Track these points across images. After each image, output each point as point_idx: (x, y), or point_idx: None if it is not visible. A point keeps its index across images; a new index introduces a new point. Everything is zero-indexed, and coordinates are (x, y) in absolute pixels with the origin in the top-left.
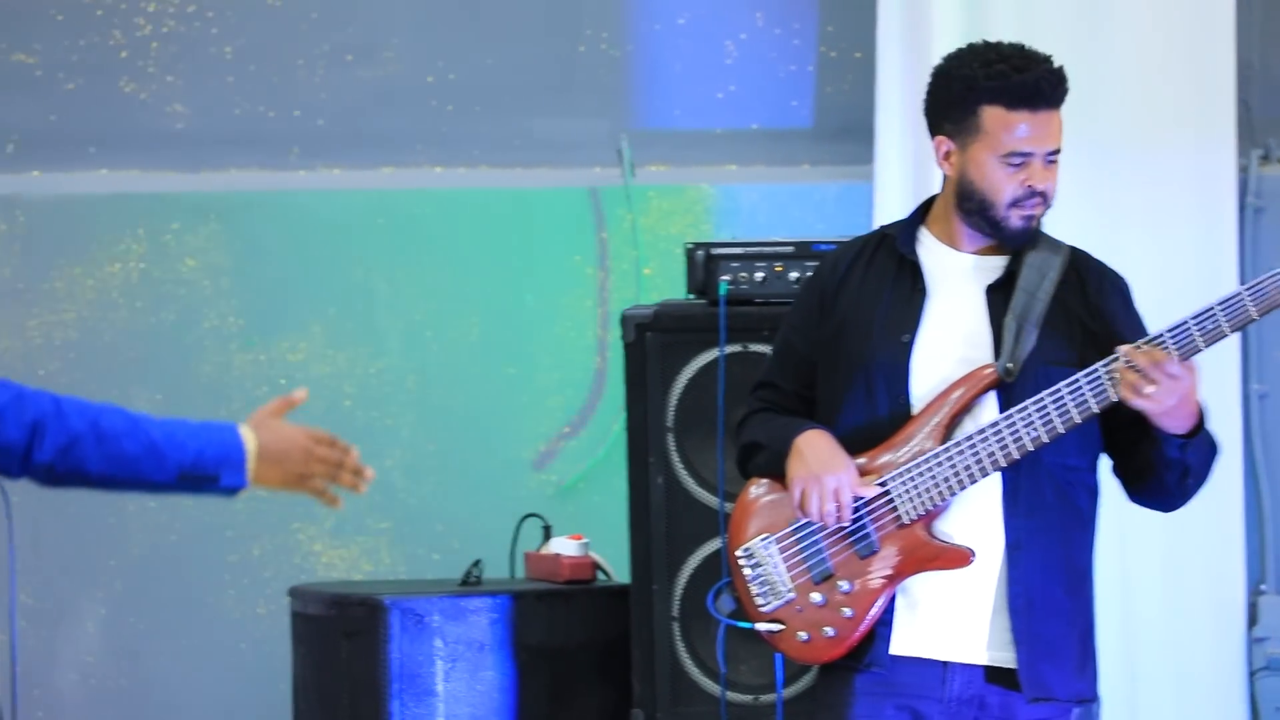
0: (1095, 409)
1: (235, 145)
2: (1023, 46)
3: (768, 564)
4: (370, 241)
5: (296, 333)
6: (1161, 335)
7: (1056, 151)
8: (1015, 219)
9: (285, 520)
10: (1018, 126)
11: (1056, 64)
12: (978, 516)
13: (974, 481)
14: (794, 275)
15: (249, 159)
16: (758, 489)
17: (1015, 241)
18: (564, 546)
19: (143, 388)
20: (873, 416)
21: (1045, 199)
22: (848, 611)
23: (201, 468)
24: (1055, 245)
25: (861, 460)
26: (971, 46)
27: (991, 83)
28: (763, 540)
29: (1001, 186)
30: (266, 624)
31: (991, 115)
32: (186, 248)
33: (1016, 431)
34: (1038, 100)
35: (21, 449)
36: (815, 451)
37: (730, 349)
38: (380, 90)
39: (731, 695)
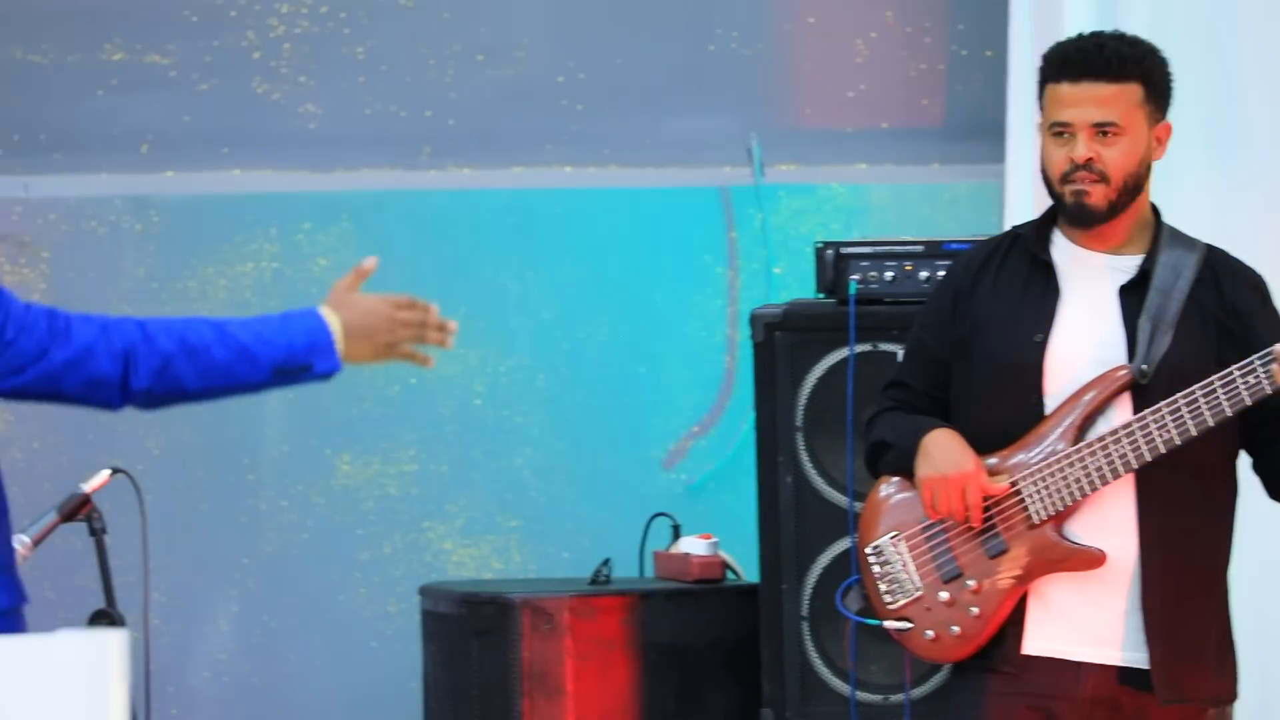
0: (1229, 412)
1: (367, 145)
2: (1096, 30)
3: (896, 562)
4: (501, 241)
5: None
6: None
7: (1107, 124)
8: (1068, 195)
9: (416, 519)
10: (1058, 97)
11: (1115, 39)
12: (1112, 516)
13: (1105, 483)
14: (924, 274)
15: (380, 159)
16: (888, 488)
17: (1074, 221)
18: (693, 545)
19: None
20: (1005, 417)
21: (1100, 176)
22: (974, 610)
23: (294, 360)
24: (1190, 243)
25: (993, 460)
26: None
27: (1044, 62)
28: (892, 538)
29: (1051, 161)
30: (397, 622)
31: (1046, 93)
32: (318, 247)
33: (1149, 433)
34: (1073, 69)
35: (117, 379)
36: (943, 451)
37: (860, 348)
38: (511, 90)
39: (861, 695)
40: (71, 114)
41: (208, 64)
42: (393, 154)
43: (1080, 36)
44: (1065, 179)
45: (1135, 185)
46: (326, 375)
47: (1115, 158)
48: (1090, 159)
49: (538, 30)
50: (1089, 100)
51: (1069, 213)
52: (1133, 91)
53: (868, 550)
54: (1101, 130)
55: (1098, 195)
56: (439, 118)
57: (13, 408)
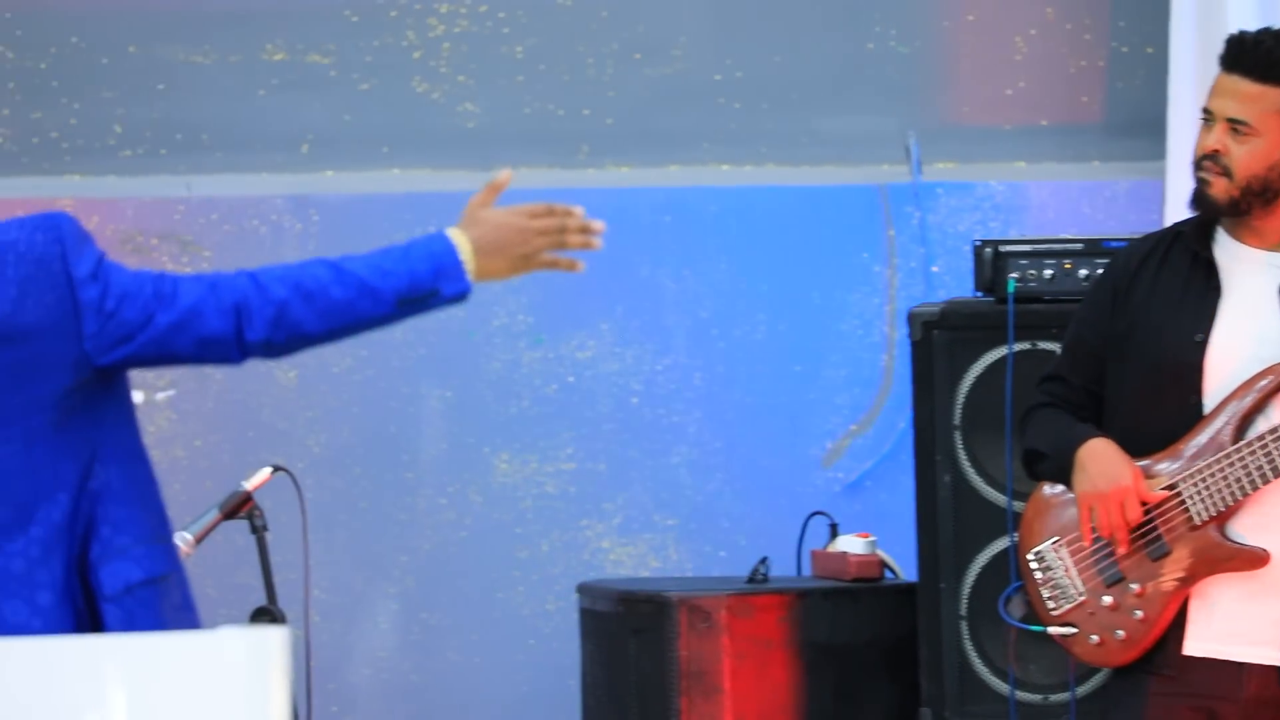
0: None
1: (525, 144)
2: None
3: (1058, 567)
4: (658, 239)
5: (584, 330)
6: None
7: (1239, 122)
8: (1195, 182)
9: (574, 517)
10: (1213, 83)
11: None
12: (1274, 515)
13: (1266, 482)
14: (1083, 272)
15: (538, 158)
16: (1051, 490)
17: (1193, 208)
18: (851, 544)
19: (433, 385)
20: (1162, 417)
21: (1224, 170)
22: (1139, 613)
23: (418, 288)
24: None
25: (1146, 462)
26: None
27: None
28: (1053, 543)
29: (1195, 146)
30: (555, 620)
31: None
32: None
33: None
34: (1227, 59)
35: (231, 335)
36: (1100, 466)
37: (1019, 347)
38: (668, 88)
39: (1021, 695)
40: (233, 114)
41: (368, 64)
42: (550, 153)
43: (1255, 31)
44: (1196, 166)
45: (1263, 188)
46: (457, 298)
47: (1242, 156)
48: (1217, 151)
49: (695, 28)
50: (1230, 93)
51: (1190, 200)
52: (1278, 96)
53: (1029, 556)
54: (1234, 126)
55: (1219, 189)
56: (596, 116)
57: (175, 406)
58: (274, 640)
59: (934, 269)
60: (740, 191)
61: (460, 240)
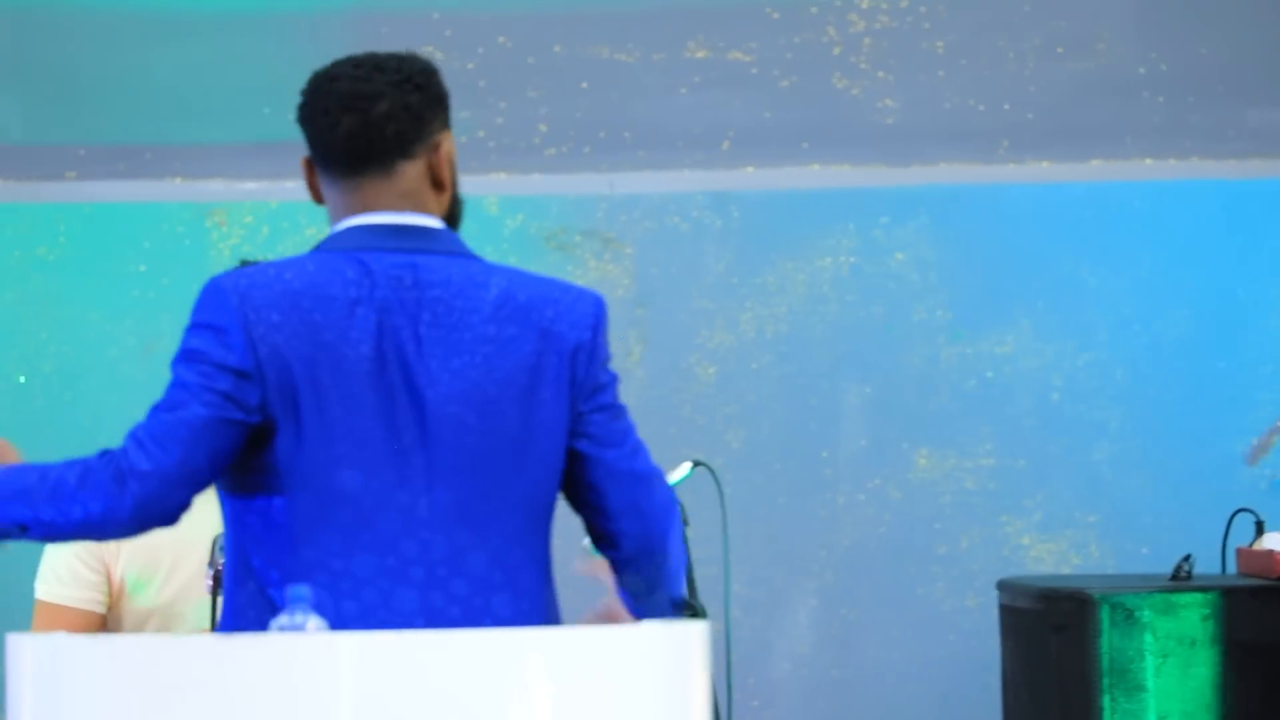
0: None
1: (945, 139)
2: None
3: None
4: (1078, 234)
5: (1004, 326)
6: None
7: None
8: None
9: (994, 513)
10: None
11: None
12: None
13: None
14: None
15: (958, 153)
16: None
17: None
18: (1278, 542)
19: (852, 381)
20: None
21: None
22: None
23: None
24: None
25: None
26: None
27: None
28: None
29: None
30: (975, 616)
31: None
32: (895, 241)
33: None
34: None
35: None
36: None
37: None
38: (1090, 82)
39: None
40: (655, 111)
41: (788, 60)
42: (970, 148)
43: None
44: None
45: None
46: None
47: None
48: None
49: (1118, 22)
50: None
51: None
52: None
53: None
54: None
55: None
56: (1017, 110)
57: None
58: (694, 634)
59: None
60: (1163, 185)
61: None
